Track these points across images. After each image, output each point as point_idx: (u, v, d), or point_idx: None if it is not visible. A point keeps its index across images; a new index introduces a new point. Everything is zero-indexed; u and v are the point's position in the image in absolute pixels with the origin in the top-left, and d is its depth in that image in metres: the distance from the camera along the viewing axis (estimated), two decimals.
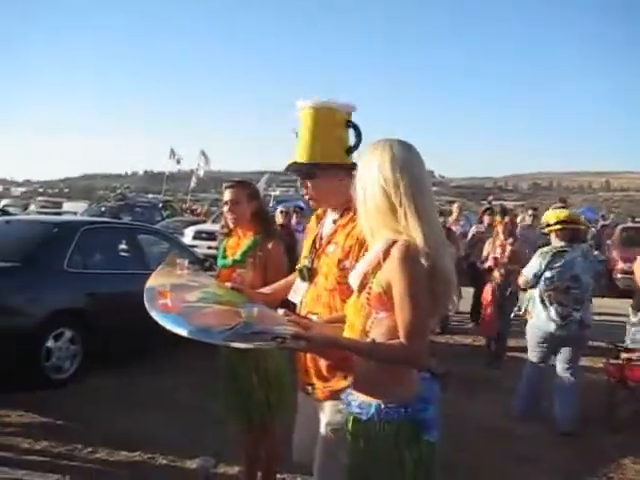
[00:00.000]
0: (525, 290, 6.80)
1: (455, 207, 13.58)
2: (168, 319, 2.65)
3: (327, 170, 2.94)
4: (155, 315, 2.77)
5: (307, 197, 3.09)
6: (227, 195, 4.02)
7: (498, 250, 8.54)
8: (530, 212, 13.05)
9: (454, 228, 11.92)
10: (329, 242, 2.97)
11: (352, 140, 3.00)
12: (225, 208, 4.04)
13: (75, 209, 30.45)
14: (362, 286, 2.33)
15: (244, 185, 4.09)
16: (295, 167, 3.04)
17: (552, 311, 5.98)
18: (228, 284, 3.47)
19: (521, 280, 6.39)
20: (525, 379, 6.39)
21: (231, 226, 4.07)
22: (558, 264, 5.96)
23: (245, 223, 4.01)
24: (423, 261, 2.16)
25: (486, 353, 8.71)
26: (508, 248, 8.42)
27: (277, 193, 33.24)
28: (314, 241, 3.10)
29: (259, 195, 4.23)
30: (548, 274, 5.99)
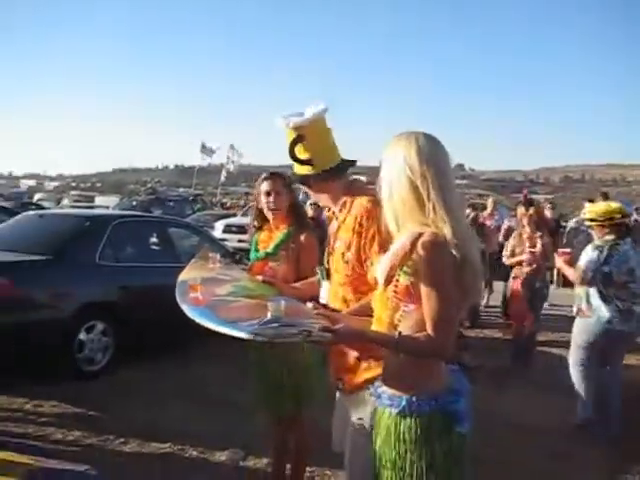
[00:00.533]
0: (568, 286, 6.68)
1: (490, 201, 13.52)
2: (197, 312, 2.70)
3: (318, 177, 3.05)
4: (185, 308, 2.82)
5: (315, 199, 3.28)
6: (268, 186, 3.96)
7: (527, 244, 8.17)
8: (548, 205, 12.98)
9: (488, 222, 11.86)
10: (335, 239, 3.05)
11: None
12: (264, 199, 3.97)
13: (107, 203, 30.78)
14: (389, 279, 2.33)
15: (283, 176, 4.08)
16: (296, 180, 3.20)
17: (613, 307, 5.70)
18: (259, 277, 3.48)
19: (576, 276, 5.88)
20: (584, 381, 5.98)
21: (270, 217, 4.01)
22: (614, 258, 5.75)
23: (282, 215, 3.99)
24: (451, 253, 2.17)
25: (513, 347, 8.43)
26: (538, 242, 8.07)
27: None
28: (328, 241, 3.18)
29: (293, 187, 4.22)
30: (606, 269, 5.74)
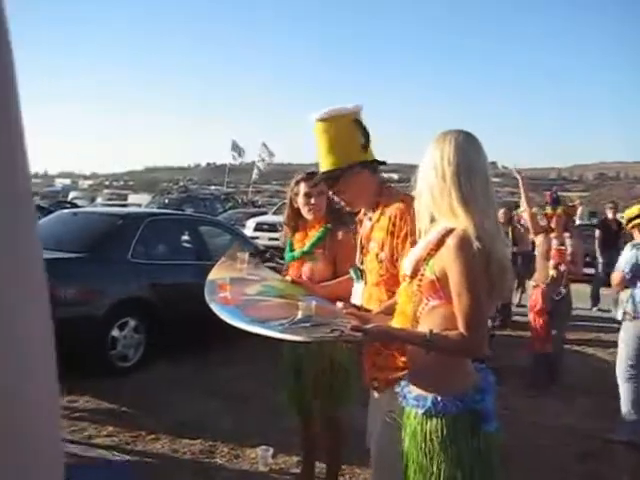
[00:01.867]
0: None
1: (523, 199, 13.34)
2: (226, 311, 2.72)
3: (348, 170, 2.99)
4: (214, 307, 2.84)
5: (342, 203, 3.16)
6: (308, 187, 3.92)
7: (554, 243, 7.12)
8: (577, 202, 12.77)
9: (522, 222, 11.75)
10: (369, 240, 3.04)
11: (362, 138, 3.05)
12: (303, 200, 3.93)
13: (140, 201, 31.10)
14: (414, 273, 2.34)
15: (314, 176, 4.06)
16: (321, 178, 3.13)
17: None
18: (288, 278, 3.49)
19: (616, 277, 5.60)
20: (634, 391, 5.53)
21: (310, 217, 3.98)
22: None
23: (321, 214, 3.98)
24: (480, 249, 2.16)
25: (534, 376, 7.19)
26: (568, 243, 7.13)
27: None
28: (360, 242, 3.17)
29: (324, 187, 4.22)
30: None
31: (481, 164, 2.34)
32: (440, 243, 2.24)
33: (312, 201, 3.90)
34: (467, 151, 2.31)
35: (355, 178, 3.00)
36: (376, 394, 3.01)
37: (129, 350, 6.90)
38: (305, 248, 3.93)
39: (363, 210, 3.19)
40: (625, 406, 5.49)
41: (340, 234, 3.88)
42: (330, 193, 3.18)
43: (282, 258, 4.31)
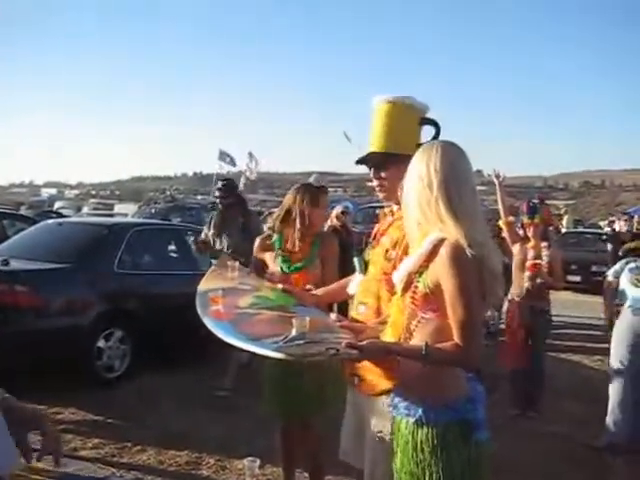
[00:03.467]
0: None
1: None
2: (220, 327, 2.69)
3: (398, 161, 2.90)
4: (207, 322, 2.81)
5: (378, 189, 3.06)
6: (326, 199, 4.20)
7: (530, 254, 6.59)
8: (563, 210, 12.77)
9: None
10: (384, 234, 3.00)
11: (425, 137, 3.01)
12: (334, 222, 4.18)
13: (126, 211, 30.99)
14: (406, 286, 2.33)
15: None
16: (369, 157, 3.04)
17: None
18: (280, 285, 3.47)
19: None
20: (621, 393, 5.50)
21: (319, 229, 4.21)
22: None
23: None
24: (472, 258, 2.16)
25: (513, 396, 6.70)
26: (545, 253, 6.61)
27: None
28: (374, 235, 3.12)
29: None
30: None
31: (468, 173, 2.35)
32: (432, 255, 2.23)
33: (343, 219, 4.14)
34: (454, 160, 2.32)
35: (404, 170, 2.94)
36: (350, 393, 2.99)
37: (115, 361, 6.84)
38: (308, 258, 4.05)
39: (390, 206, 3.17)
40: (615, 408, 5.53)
41: (327, 238, 4.07)
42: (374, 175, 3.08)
43: (266, 266, 4.33)
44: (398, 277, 2.38)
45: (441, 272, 2.19)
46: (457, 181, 2.28)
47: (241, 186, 37.99)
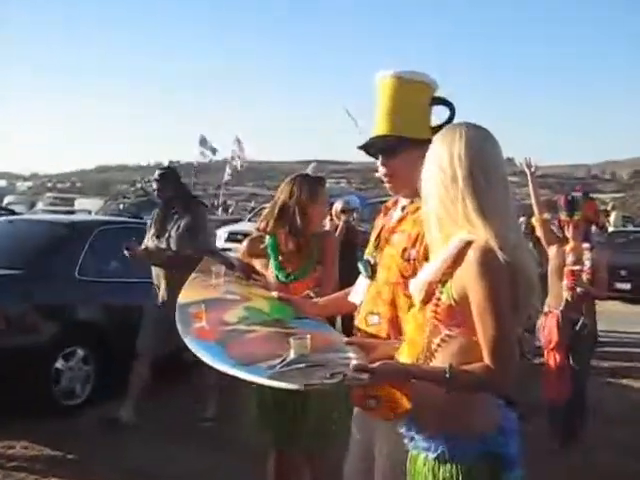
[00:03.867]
0: None
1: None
2: (205, 350, 2.70)
3: (410, 146, 2.95)
4: (190, 343, 2.81)
5: (385, 178, 3.08)
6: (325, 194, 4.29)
7: (569, 259, 6.36)
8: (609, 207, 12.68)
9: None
10: (394, 232, 3.00)
11: (437, 119, 3.03)
12: (335, 222, 4.19)
13: (90, 207, 30.91)
14: (427, 297, 2.32)
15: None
16: (373, 142, 3.06)
17: None
18: (275, 293, 3.47)
19: None
20: None
21: (316, 230, 4.23)
22: None
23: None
24: (505, 264, 2.14)
25: (552, 427, 6.59)
26: (586, 257, 6.38)
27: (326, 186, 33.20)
28: (379, 234, 3.13)
29: None
30: None
31: (498, 162, 2.33)
32: (457, 260, 2.22)
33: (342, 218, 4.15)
34: (481, 147, 2.31)
35: (416, 158, 2.88)
36: (356, 419, 2.99)
37: (76, 385, 6.84)
38: (307, 264, 4.09)
39: (392, 199, 3.20)
40: None
41: (327, 237, 4.17)
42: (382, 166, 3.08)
43: (257, 272, 4.32)
44: (416, 287, 2.37)
45: (468, 280, 2.18)
46: (486, 172, 2.27)
47: (226, 177, 38.35)
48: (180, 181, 7.26)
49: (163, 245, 6.70)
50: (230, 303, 3.34)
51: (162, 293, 6.61)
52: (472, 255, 2.17)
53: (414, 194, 2.95)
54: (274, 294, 3.47)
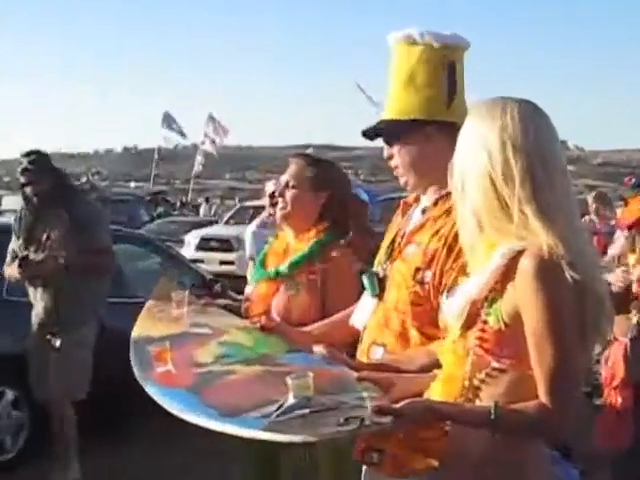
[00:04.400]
0: None
1: (590, 197, 13.13)
2: (173, 398, 2.64)
3: (414, 128, 2.97)
4: (151, 391, 2.76)
5: (396, 172, 3.10)
6: (288, 172, 4.00)
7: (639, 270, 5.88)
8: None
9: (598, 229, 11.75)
10: (410, 241, 2.98)
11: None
12: (278, 191, 4.03)
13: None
14: (470, 321, 2.29)
15: (319, 164, 4.09)
16: (381, 126, 3.09)
17: None
18: (257, 323, 3.44)
19: None
20: None
21: (277, 218, 4.10)
22: None
23: (302, 221, 3.98)
24: (569, 279, 2.11)
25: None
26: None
27: None
28: (393, 240, 3.13)
29: (338, 183, 4.17)
30: None
31: (557, 148, 2.32)
32: (508, 273, 2.19)
33: (287, 193, 3.96)
34: (538, 130, 2.26)
35: (422, 143, 2.99)
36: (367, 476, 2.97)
37: (5, 437, 6.83)
38: (283, 267, 3.88)
39: (413, 194, 3.19)
40: None
41: (338, 252, 3.86)
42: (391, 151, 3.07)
43: (240, 292, 4.27)
44: (456, 308, 2.34)
45: (523, 297, 2.15)
46: (545, 163, 2.23)
47: (197, 167, 38.14)
48: (57, 169, 6.80)
49: (39, 255, 6.27)
50: (200, 338, 3.27)
51: (46, 319, 6.35)
52: (528, 265, 2.13)
53: (437, 190, 2.99)
54: (256, 324, 3.45)
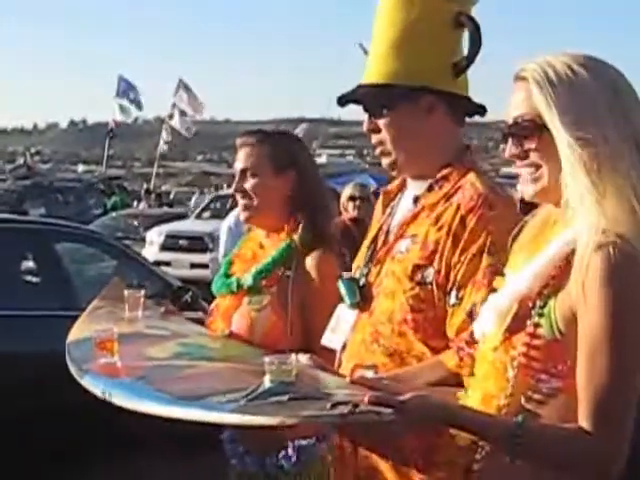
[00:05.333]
0: None
1: None
2: (114, 387, 2.65)
3: (420, 100, 2.93)
4: (88, 382, 2.76)
5: (380, 148, 3.06)
6: (240, 158, 3.90)
7: None
8: None
9: None
10: (401, 236, 2.95)
11: (464, 50, 3.00)
12: (234, 186, 3.93)
13: None
14: (516, 327, 2.26)
15: (275, 138, 4.00)
16: (361, 93, 3.06)
17: None
18: (226, 331, 3.45)
19: None
20: None
21: (242, 219, 3.95)
22: None
23: (273, 215, 3.89)
24: None
25: None
26: None
27: (323, 160, 33.12)
28: (375, 238, 3.12)
29: (304, 158, 4.08)
30: None
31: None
32: (568, 265, 2.15)
33: (247, 184, 3.83)
34: (616, 95, 2.23)
35: (419, 115, 2.95)
36: None
37: None
38: (246, 279, 3.80)
39: (396, 182, 3.19)
40: None
41: (314, 259, 3.76)
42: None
43: (212, 301, 4.22)
44: (496, 309, 2.31)
45: (583, 295, 2.09)
46: (623, 131, 2.19)
47: (162, 145, 37.94)
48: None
49: None
50: (156, 338, 3.28)
51: None
52: (599, 260, 2.07)
53: (430, 174, 2.96)
54: (225, 332, 3.52)
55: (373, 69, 2.99)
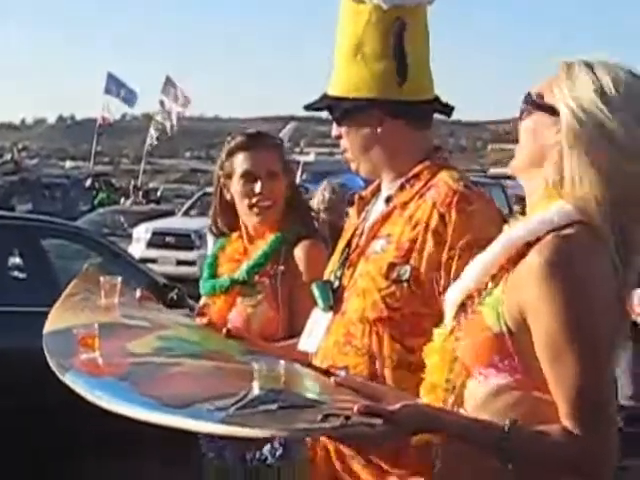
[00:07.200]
0: None
1: None
2: (98, 387, 2.63)
3: (370, 111, 2.99)
4: (71, 380, 2.75)
5: (345, 155, 3.15)
6: (250, 160, 3.91)
7: None
8: None
9: None
10: (374, 236, 2.97)
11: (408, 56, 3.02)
12: (241, 188, 3.89)
13: None
14: (461, 318, 2.29)
15: (276, 143, 4.10)
16: (326, 102, 3.13)
17: None
18: (204, 320, 3.45)
19: None
20: None
21: (254, 220, 3.93)
22: None
23: (273, 215, 3.91)
24: (612, 263, 2.09)
25: None
26: None
27: (311, 158, 33.01)
28: (349, 242, 3.13)
29: (290, 163, 4.23)
30: None
31: None
32: (524, 251, 2.14)
33: (257, 188, 3.84)
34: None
35: (369, 127, 3.01)
36: None
37: None
38: (239, 274, 3.86)
39: (372, 186, 3.21)
40: None
41: (303, 250, 3.82)
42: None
43: (198, 298, 4.23)
44: (452, 296, 2.34)
45: (535, 288, 2.06)
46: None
47: (149, 142, 37.94)
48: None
49: None
50: (135, 331, 3.26)
51: None
52: (548, 242, 2.07)
53: (400, 175, 3.00)
54: (203, 320, 3.53)
55: (332, 80, 3.08)
